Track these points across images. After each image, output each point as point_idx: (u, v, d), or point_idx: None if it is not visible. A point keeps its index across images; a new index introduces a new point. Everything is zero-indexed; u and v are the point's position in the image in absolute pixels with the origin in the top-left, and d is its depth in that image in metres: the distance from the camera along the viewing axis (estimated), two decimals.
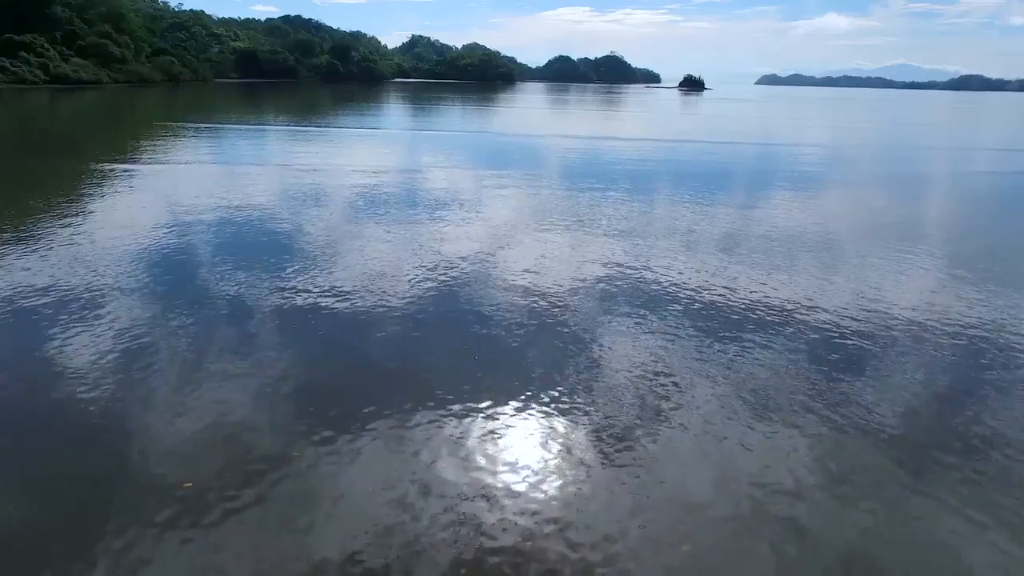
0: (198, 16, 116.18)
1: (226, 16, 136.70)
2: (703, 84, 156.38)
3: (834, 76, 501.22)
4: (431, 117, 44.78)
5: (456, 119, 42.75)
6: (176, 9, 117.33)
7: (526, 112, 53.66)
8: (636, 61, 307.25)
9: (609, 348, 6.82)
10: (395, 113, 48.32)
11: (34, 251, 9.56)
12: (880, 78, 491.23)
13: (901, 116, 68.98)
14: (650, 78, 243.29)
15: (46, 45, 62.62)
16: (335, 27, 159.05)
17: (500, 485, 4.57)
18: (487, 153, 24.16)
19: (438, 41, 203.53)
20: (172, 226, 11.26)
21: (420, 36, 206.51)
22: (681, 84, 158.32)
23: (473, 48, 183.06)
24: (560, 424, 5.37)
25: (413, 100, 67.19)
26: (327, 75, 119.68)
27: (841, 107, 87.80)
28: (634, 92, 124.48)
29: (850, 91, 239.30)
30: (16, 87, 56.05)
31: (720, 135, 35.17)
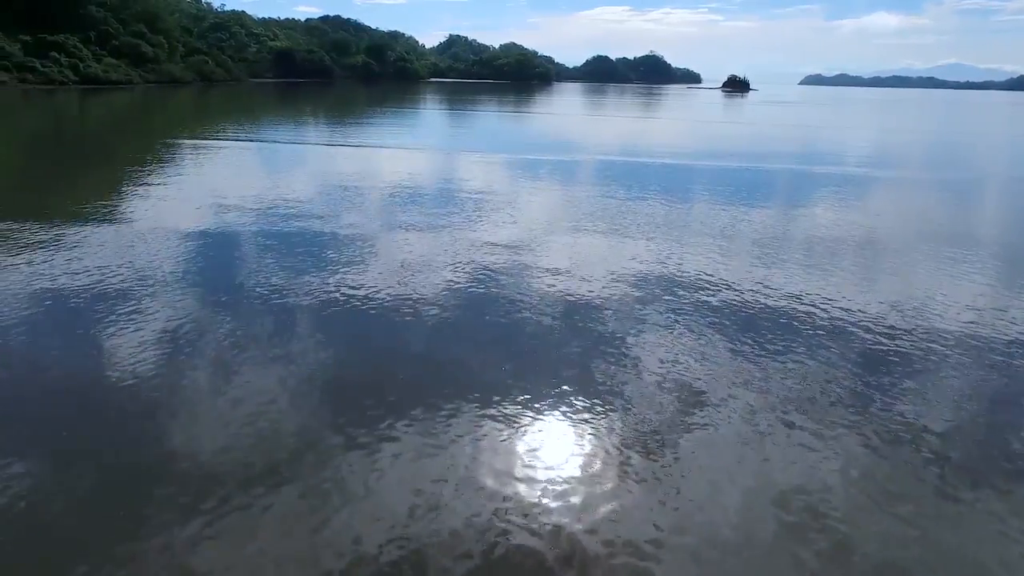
0: (239, 16, 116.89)
1: (268, 16, 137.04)
2: (748, 85, 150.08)
3: (883, 76, 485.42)
4: (460, 129, 41.84)
5: (486, 132, 39.53)
6: (219, 10, 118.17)
7: (560, 120, 50.24)
8: (676, 61, 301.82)
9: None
10: (425, 122, 45.66)
11: None
12: (932, 78, 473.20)
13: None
14: (690, 78, 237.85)
15: (79, 45, 61.98)
16: (374, 27, 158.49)
17: (529, 486, 4.54)
18: (515, 176, 21.12)
19: (475, 41, 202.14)
20: None
21: (457, 36, 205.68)
22: (724, 84, 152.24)
23: (510, 48, 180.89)
24: (591, 426, 5.29)
25: (447, 103, 64.63)
26: (363, 75, 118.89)
27: (933, 111, 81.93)
28: (675, 93, 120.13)
29: (902, 92, 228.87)
30: (45, 88, 55.31)
31: (812, 155, 30.37)
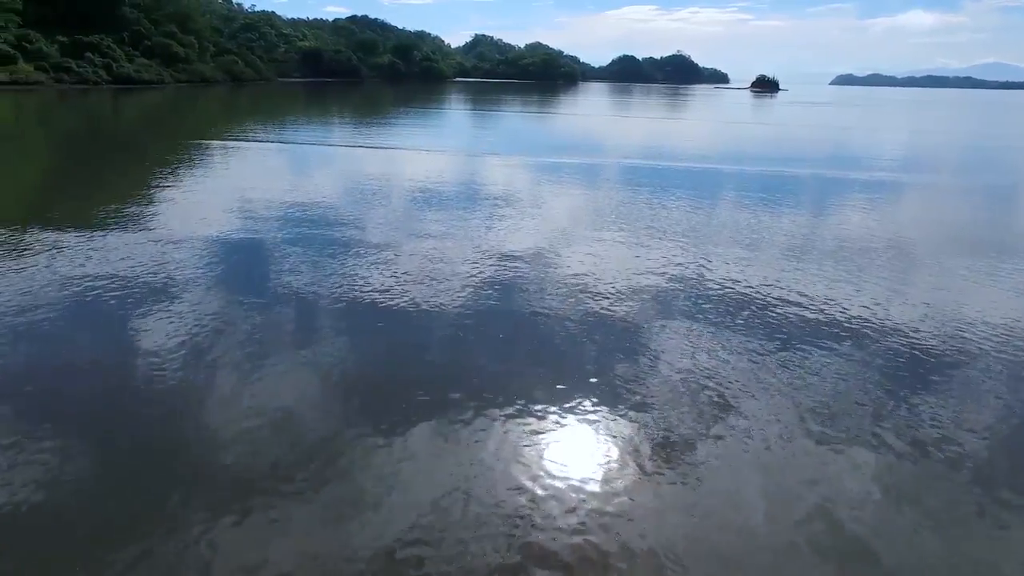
0: (268, 17, 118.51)
1: (297, 17, 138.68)
2: (777, 85, 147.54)
3: (917, 76, 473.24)
4: (482, 131, 41.75)
5: (508, 134, 39.40)
6: (249, 11, 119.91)
7: (584, 121, 49.89)
8: (703, 61, 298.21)
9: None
10: (448, 123, 45.68)
11: None
12: (969, 78, 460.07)
13: None
14: (717, 78, 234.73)
15: (112, 45, 63.22)
16: (400, 27, 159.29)
17: (549, 488, 4.57)
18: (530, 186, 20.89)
19: (501, 40, 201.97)
20: None
21: (483, 35, 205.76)
22: (753, 84, 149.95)
23: (536, 48, 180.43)
24: (612, 431, 5.29)
25: (471, 103, 64.80)
26: (389, 74, 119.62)
27: (971, 112, 79.56)
28: (702, 93, 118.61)
29: (938, 92, 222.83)
30: (79, 88, 56.56)
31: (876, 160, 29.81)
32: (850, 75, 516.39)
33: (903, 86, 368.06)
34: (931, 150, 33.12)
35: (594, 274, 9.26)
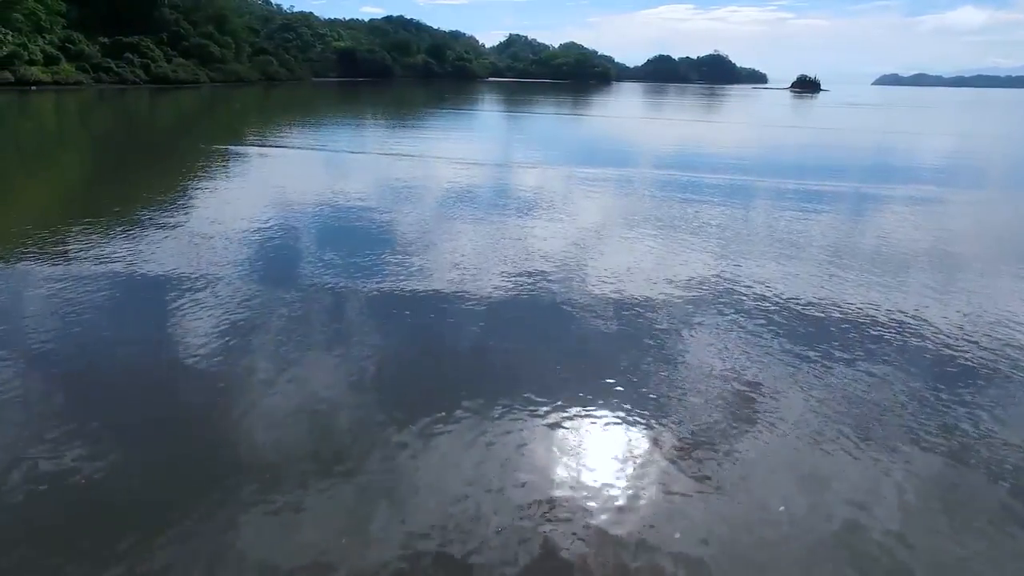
0: (306, 17, 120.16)
1: (334, 17, 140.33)
2: (819, 85, 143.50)
3: (966, 76, 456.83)
4: (510, 134, 41.05)
5: (533, 140, 38.57)
6: (288, 11, 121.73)
7: (615, 124, 48.86)
8: (742, 61, 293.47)
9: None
10: (472, 126, 45.15)
11: None
12: (1022, 77, 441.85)
13: None
14: (755, 78, 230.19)
15: (151, 46, 64.47)
16: (435, 27, 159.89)
17: (575, 488, 4.56)
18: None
19: (535, 40, 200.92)
20: None
21: (517, 35, 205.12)
22: (793, 85, 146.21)
23: (569, 47, 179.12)
24: (640, 433, 5.26)
25: (500, 104, 64.37)
26: (423, 74, 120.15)
27: None
28: (739, 94, 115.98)
29: (990, 92, 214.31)
30: (118, 87, 57.71)
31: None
32: (895, 75, 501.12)
33: (951, 86, 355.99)
34: (995, 158, 31.26)
35: (633, 287, 8.45)
